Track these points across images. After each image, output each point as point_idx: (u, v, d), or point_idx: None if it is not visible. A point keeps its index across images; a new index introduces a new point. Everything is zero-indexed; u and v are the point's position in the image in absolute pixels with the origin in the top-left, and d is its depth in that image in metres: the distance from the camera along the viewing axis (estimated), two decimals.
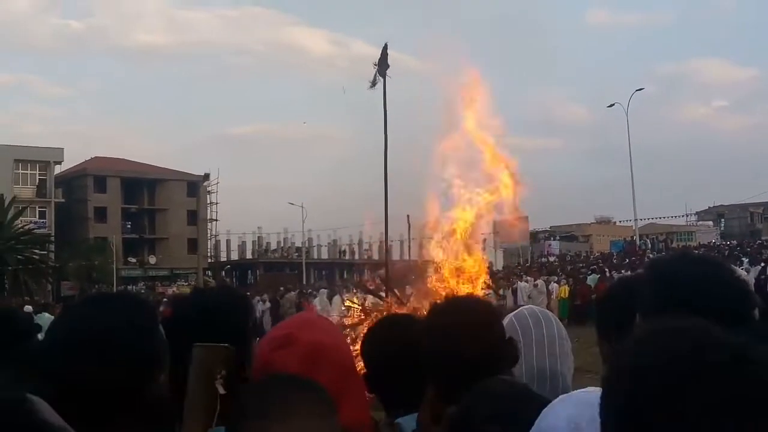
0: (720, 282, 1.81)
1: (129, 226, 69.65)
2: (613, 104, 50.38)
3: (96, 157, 71.30)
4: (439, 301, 2.31)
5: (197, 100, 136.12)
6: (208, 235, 74.01)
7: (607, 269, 35.20)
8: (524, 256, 63.93)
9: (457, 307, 2.17)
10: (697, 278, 1.80)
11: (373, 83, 14.08)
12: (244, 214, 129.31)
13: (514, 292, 29.48)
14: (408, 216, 18.23)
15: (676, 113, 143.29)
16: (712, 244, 57.03)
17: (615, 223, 78.39)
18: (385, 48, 14.33)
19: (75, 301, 1.92)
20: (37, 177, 64.16)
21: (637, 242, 52.40)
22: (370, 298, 14.68)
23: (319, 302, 28.89)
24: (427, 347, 2.07)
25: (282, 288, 37.86)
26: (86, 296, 1.97)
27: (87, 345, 1.64)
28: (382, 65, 14.19)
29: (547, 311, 2.73)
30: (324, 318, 2.37)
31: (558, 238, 77.09)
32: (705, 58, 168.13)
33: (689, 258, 1.97)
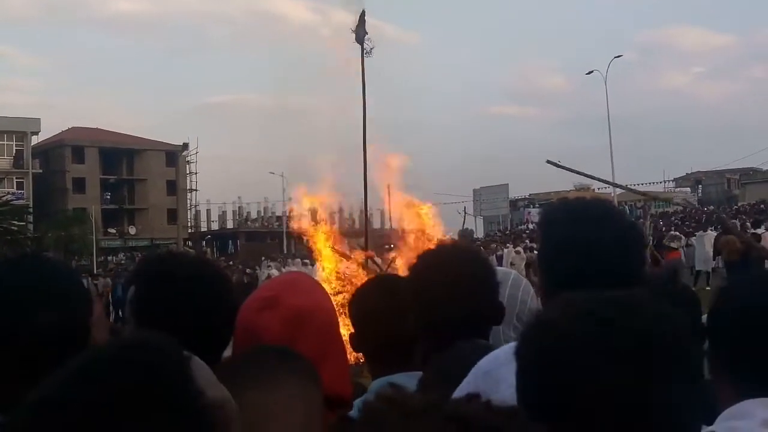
0: (608, 243, 1.77)
1: (108, 196, 69.15)
2: (592, 71, 50.41)
3: (73, 127, 70.52)
4: (430, 253, 2.26)
5: (176, 70, 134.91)
6: (188, 205, 73.62)
7: None
8: (504, 224, 64.21)
9: (451, 261, 2.12)
10: (585, 242, 1.76)
11: (368, 52, 13.96)
12: (224, 184, 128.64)
13: (499, 259, 29.56)
14: (389, 186, 18.25)
15: (654, 80, 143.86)
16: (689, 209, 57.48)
17: (594, 190, 78.71)
18: (363, 15, 14.21)
19: None
20: (14, 148, 63.39)
21: None
22: (348, 266, 14.71)
23: None
24: (424, 304, 2.05)
25: (264, 258, 37.90)
26: None
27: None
28: (360, 32, 14.07)
29: (517, 275, 2.72)
30: (311, 279, 2.33)
31: (538, 205, 77.33)
32: (683, 25, 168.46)
33: (576, 220, 1.86)
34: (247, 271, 32.36)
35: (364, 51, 14.00)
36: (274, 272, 28.18)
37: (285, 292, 2.01)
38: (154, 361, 1.04)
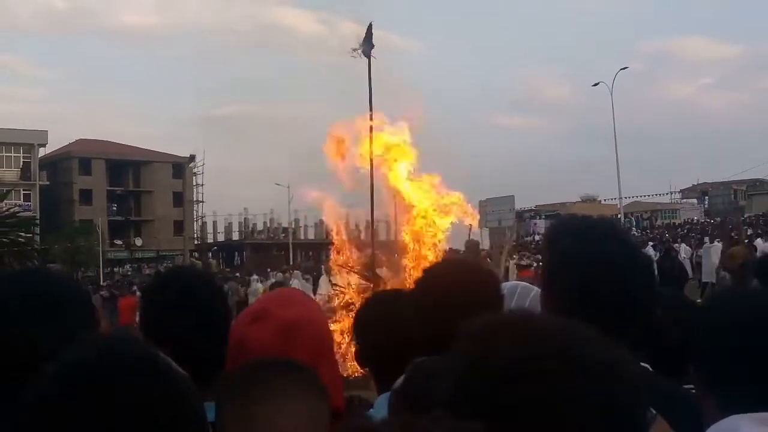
0: (622, 259, 1.78)
1: (115, 208, 69.32)
2: (598, 83, 50.38)
3: (81, 139, 70.80)
4: (434, 267, 2.26)
5: (182, 81, 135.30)
6: (194, 216, 73.75)
7: None
8: (510, 235, 64.07)
9: (454, 276, 2.13)
10: (598, 256, 1.76)
11: (354, 53, 13.95)
12: (230, 196, 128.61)
13: (505, 271, 29.34)
14: (395, 196, 18.21)
15: (660, 91, 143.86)
16: (695, 221, 57.40)
17: (600, 201, 78.54)
18: (370, 27, 14.26)
19: None
20: (21, 160, 63.63)
21: (622, 220, 52.61)
22: (355, 279, 14.68)
23: (299, 286, 28.71)
24: (426, 318, 2.05)
25: (269, 269, 37.90)
26: None
27: None
28: (367, 44, 14.11)
29: (529, 286, 2.69)
30: (302, 293, 2.39)
31: (543, 216, 77.21)
32: (690, 35, 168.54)
33: (588, 234, 1.86)
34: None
35: (369, 62, 14.04)
36: (259, 287, 27.88)
37: (275, 304, 2.04)
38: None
